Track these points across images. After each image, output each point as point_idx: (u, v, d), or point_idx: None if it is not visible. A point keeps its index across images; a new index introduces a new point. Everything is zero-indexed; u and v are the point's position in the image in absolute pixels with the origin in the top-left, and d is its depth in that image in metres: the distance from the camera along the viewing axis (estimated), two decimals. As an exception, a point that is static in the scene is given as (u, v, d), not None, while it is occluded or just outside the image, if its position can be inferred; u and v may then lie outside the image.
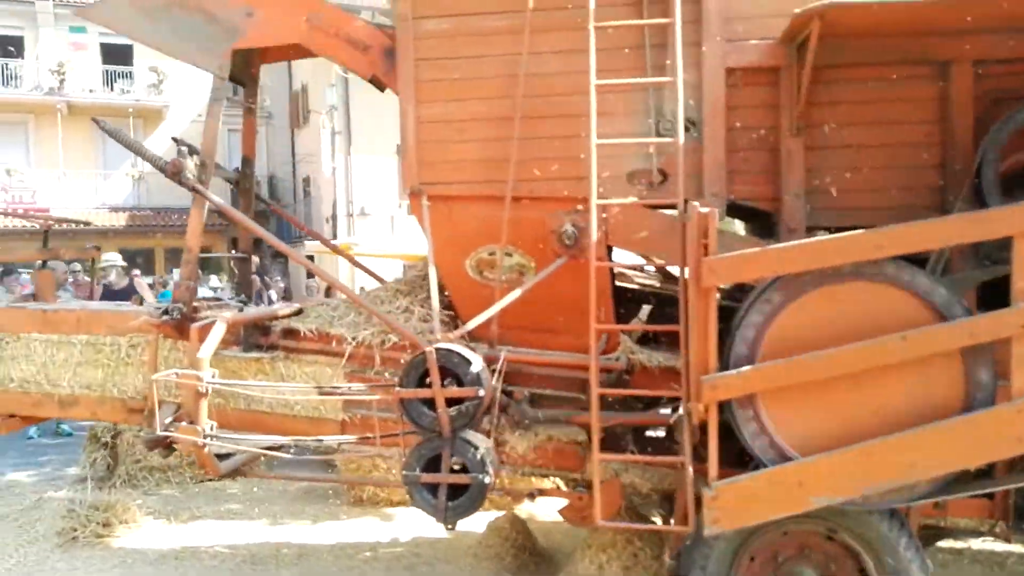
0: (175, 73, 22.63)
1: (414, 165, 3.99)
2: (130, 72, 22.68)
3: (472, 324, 3.79)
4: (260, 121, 25.68)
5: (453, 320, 4.28)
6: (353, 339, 4.19)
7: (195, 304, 4.40)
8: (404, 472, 3.68)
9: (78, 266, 10.02)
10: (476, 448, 3.62)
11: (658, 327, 3.71)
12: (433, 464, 3.65)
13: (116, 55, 22.69)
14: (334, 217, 19.07)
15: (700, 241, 3.15)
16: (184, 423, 3.83)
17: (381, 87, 4.55)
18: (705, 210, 3.16)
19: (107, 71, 22.59)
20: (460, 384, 3.60)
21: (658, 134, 3.80)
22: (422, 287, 4.46)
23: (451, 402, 3.57)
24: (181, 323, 4.29)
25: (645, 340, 4.12)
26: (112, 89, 22.53)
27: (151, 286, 12.25)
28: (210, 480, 6.75)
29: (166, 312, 4.31)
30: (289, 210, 24.24)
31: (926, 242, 3.11)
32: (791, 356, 3.11)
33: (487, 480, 3.60)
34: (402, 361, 4.05)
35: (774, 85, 3.66)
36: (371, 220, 18.41)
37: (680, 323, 3.47)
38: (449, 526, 3.74)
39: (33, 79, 21.87)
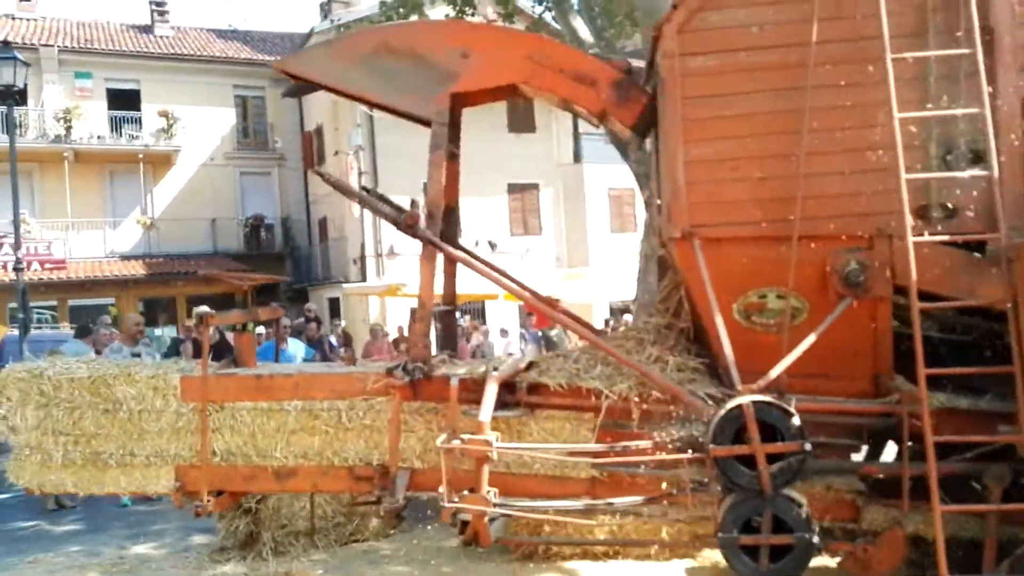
0: (186, 118, 22.23)
1: (684, 207, 3.82)
2: (138, 118, 22.14)
3: (774, 372, 3.59)
4: (272, 162, 25.47)
5: (708, 368, 4.09)
6: (610, 393, 3.96)
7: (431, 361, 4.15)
8: (720, 534, 3.47)
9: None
10: (800, 506, 3.43)
11: (990, 369, 3.56)
12: (748, 525, 3.46)
13: (123, 100, 22.20)
14: (362, 258, 18.76)
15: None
16: (465, 492, 3.57)
17: (604, 123, 4.41)
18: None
19: (114, 116, 22.02)
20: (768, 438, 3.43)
21: (943, 167, 3.69)
22: (667, 335, 4.27)
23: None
24: (421, 383, 4.05)
25: None
26: (120, 135, 21.95)
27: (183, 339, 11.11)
28: (356, 541, 6.43)
29: (405, 370, 4.05)
30: (304, 252, 23.85)
31: None
32: None
33: (814, 539, 3.40)
34: (676, 414, 3.87)
35: (1072, 116, 3.58)
36: (400, 260, 18.10)
37: (1015, 364, 3.35)
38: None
39: (37, 127, 21.24)
